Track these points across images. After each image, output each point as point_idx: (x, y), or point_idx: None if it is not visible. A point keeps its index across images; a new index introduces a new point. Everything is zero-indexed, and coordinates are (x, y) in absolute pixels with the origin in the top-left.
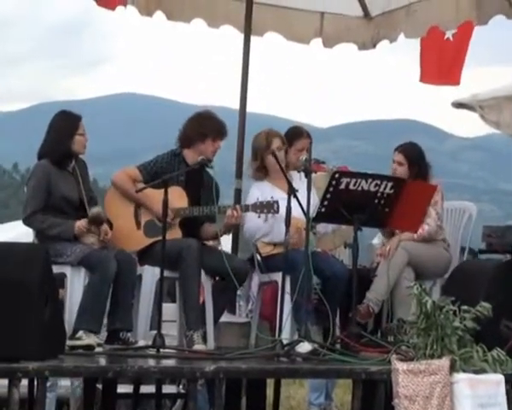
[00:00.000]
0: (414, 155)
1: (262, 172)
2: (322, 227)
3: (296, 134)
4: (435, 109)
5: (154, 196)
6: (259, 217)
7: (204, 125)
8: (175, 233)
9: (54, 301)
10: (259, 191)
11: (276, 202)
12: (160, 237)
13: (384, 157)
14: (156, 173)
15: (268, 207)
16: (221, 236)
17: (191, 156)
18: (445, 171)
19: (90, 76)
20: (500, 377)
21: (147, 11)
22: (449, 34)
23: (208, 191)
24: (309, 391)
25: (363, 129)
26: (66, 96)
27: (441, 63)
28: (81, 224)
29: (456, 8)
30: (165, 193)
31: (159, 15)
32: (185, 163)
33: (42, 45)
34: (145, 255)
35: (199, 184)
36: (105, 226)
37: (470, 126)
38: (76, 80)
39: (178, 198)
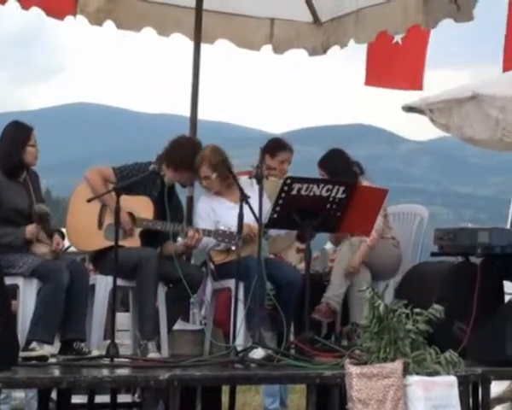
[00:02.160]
0: (331, 165)
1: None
2: (274, 231)
3: (280, 146)
4: (388, 114)
5: (122, 201)
6: (220, 245)
7: (195, 156)
8: (134, 242)
9: (6, 313)
10: (207, 205)
11: (240, 237)
12: (119, 243)
13: None
14: (129, 180)
15: (230, 238)
16: (179, 255)
17: (171, 176)
18: (397, 175)
19: (42, 86)
20: (453, 379)
21: (96, 21)
22: (398, 38)
23: (175, 211)
24: (263, 397)
25: (315, 134)
26: (18, 106)
27: (389, 67)
28: (30, 227)
29: (405, 12)
30: (117, 202)
31: (109, 25)
32: (162, 181)
33: None
34: (100, 259)
35: (169, 201)
36: (57, 237)
37: (422, 130)
38: (28, 91)
39: (145, 208)
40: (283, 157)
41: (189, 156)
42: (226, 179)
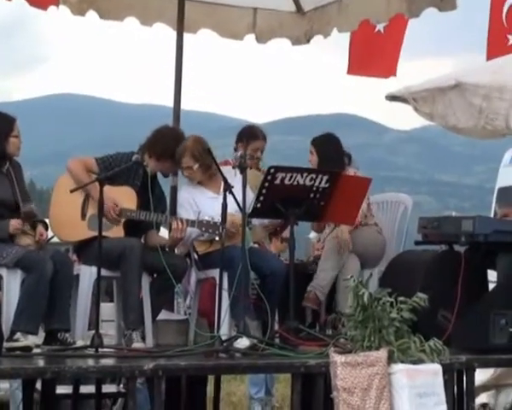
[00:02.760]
0: (322, 145)
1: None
2: (258, 222)
3: (252, 135)
4: (372, 103)
5: (105, 191)
6: (203, 235)
7: (178, 146)
8: (118, 232)
9: None
10: (189, 195)
11: (223, 226)
12: (103, 233)
13: None
14: (113, 170)
15: (213, 228)
16: (167, 249)
17: (153, 166)
18: (382, 164)
19: (25, 77)
20: (438, 367)
21: (79, 11)
22: (380, 27)
23: (158, 201)
24: (249, 386)
25: (300, 124)
26: (2, 98)
27: (371, 55)
28: (15, 222)
29: (387, 1)
30: (101, 193)
31: (91, 15)
32: (144, 171)
33: None
34: (84, 250)
35: (152, 191)
36: (40, 228)
37: (406, 119)
38: (11, 82)
39: (128, 199)
40: (256, 146)
41: (172, 146)
42: (208, 170)
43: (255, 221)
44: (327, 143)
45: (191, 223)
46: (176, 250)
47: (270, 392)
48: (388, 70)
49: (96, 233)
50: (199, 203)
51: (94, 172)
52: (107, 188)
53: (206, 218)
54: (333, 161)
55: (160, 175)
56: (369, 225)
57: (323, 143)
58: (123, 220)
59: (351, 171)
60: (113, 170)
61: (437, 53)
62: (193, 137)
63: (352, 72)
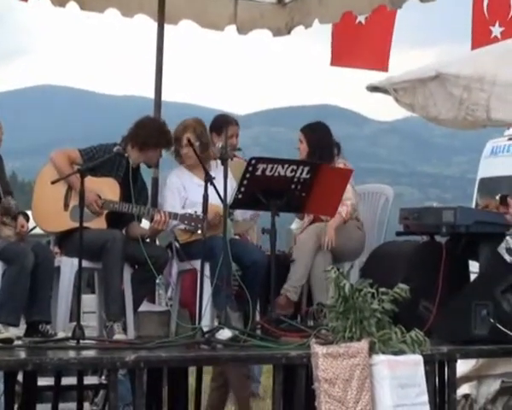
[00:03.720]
0: (315, 137)
1: (181, 159)
2: (240, 214)
3: (223, 122)
4: (353, 94)
5: (88, 182)
6: (180, 218)
7: (161, 135)
8: (100, 223)
9: None
10: (179, 180)
11: (204, 219)
12: (85, 224)
13: None
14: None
15: (196, 222)
16: (146, 239)
17: (136, 157)
18: (364, 155)
19: (6, 69)
20: (419, 358)
21: (59, 2)
22: (361, 18)
23: (140, 192)
24: None
25: (282, 115)
26: None
27: (354, 47)
28: None
29: None
30: (82, 184)
31: (72, 6)
32: (127, 163)
33: None
34: (66, 240)
35: (133, 183)
36: (21, 219)
37: (388, 110)
38: None
39: (111, 190)
40: (229, 132)
41: (154, 136)
42: (205, 151)
43: (238, 216)
44: (317, 131)
45: (173, 216)
46: (157, 241)
47: (258, 379)
48: (379, 62)
49: (78, 224)
50: (187, 189)
51: (78, 163)
52: (90, 179)
53: (189, 211)
54: (322, 149)
55: (143, 167)
56: (350, 219)
57: (313, 131)
58: (105, 212)
59: (340, 162)
60: (95, 161)
61: (421, 43)
62: (192, 118)
63: (335, 63)
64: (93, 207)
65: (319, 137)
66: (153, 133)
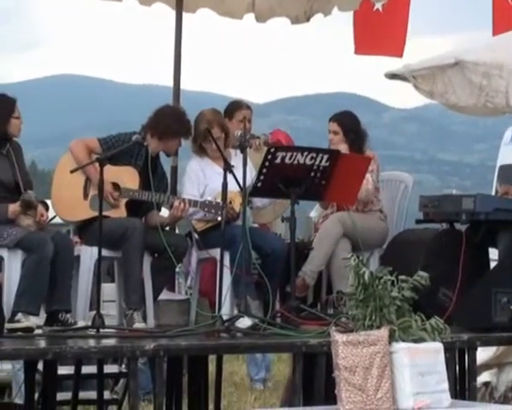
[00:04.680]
0: (348, 123)
1: (202, 152)
2: (258, 201)
3: (235, 106)
4: (372, 82)
5: (107, 172)
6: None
7: (181, 124)
8: (120, 212)
9: None
10: (199, 166)
11: (225, 206)
12: (105, 213)
13: (322, 131)
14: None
15: (216, 209)
16: (165, 226)
17: (155, 146)
18: (383, 143)
19: (23, 59)
20: (439, 346)
21: None
22: (378, 5)
23: (160, 181)
24: (248, 367)
25: (300, 103)
26: (1, 79)
27: (375, 34)
28: (13, 207)
29: None
30: (101, 173)
31: None
32: (147, 151)
33: None
34: (86, 229)
35: (153, 171)
36: (41, 208)
37: (407, 98)
38: (10, 64)
39: (130, 179)
40: (241, 115)
41: (174, 125)
42: (227, 138)
43: (257, 202)
44: (350, 119)
45: (193, 203)
46: (176, 229)
47: (269, 369)
48: (396, 48)
49: (96, 213)
50: (207, 176)
51: (96, 153)
52: (108, 168)
53: (209, 198)
54: (356, 136)
55: (162, 156)
56: (373, 211)
57: (346, 119)
58: (125, 200)
59: (369, 153)
60: (113, 150)
61: (440, 31)
62: (209, 109)
63: (359, 51)
64: (108, 199)
65: (352, 123)
66: (172, 122)
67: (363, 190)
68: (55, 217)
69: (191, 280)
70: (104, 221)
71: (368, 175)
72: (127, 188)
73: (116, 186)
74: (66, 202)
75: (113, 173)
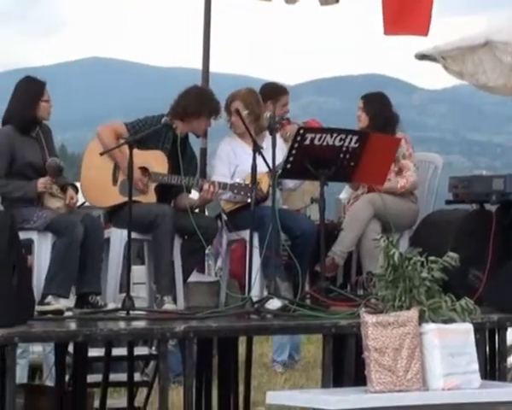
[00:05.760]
0: (374, 102)
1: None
2: (290, 182)
3: (280, 91)
4: (402, 63)
5: (135, 156)
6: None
7: (202, 103)
8: (150, 197)
9: (21, 268)
10: (230, 146)
11: (254, 188)
12: (134, 198)
13: (352, 112)
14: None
15: (245, 191)
16: (195, 209)
17: (181, 128)
18: (413, 124)
19: (50, 42)
20: (469, 327)
21: None
22: None
23: (189, 163)
24: (273, 349)
25: (330, 85)
26: (28, 63)
27: (404, 13)
28: (43, 179)
29: None
30: (130, 155)
31: None
32: (174, 134)
33: None
34: (116, 214)
35: (182, 154)
36: (71, 191)
37: (437, 78)
38: (37, 47)
39: (159, 163)
40: (285, 100)
41: (194, 105)
42: (257, 121)
43: (288, 184)
44: (378, 101)
45: (223, 186)
46: (206, 211)
47: (294, 358)
48: (422, 28)
49: (126, 199)
50: (238, 156)
51: (123, 137)
52: (137, 153)
53: (238, 180)
54: (384, 120)
55: (191, 137)
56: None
57: (374, 100)
58: (154, 185)
59: (400, 134)
60: (142, 133)
61: (469, 10)
62: (246, 88)
63: (388, 31)
64: (138, 186)
65: (380, 107)
66: (193, 102)
67: (410, 184)
68: (85, 202)
69: (221, 262)
70: (134, 206)
71: (411, 165)
72: (156, 172)
73: (145, 171)
74: (96, 188)
75: (141, 158)
